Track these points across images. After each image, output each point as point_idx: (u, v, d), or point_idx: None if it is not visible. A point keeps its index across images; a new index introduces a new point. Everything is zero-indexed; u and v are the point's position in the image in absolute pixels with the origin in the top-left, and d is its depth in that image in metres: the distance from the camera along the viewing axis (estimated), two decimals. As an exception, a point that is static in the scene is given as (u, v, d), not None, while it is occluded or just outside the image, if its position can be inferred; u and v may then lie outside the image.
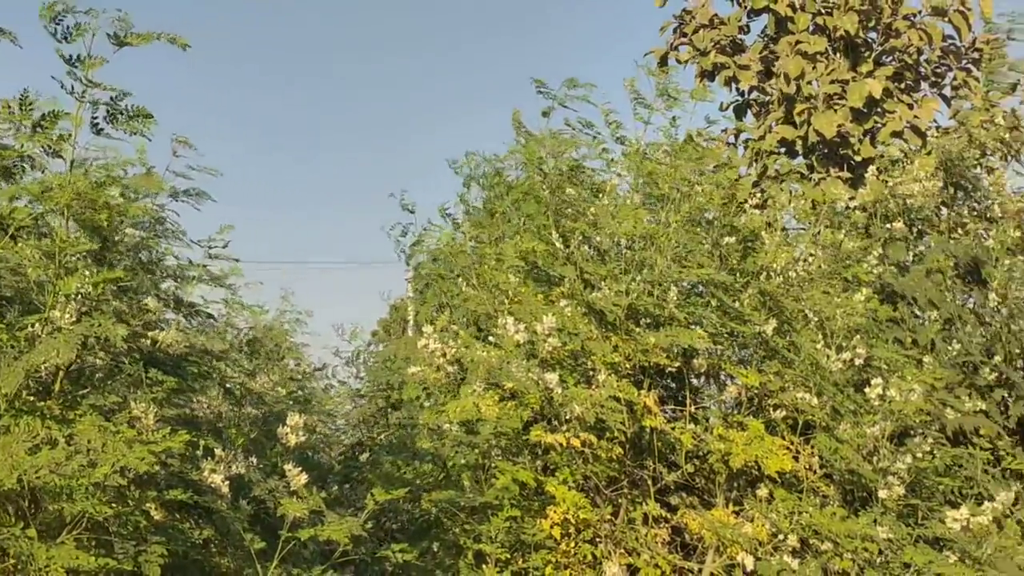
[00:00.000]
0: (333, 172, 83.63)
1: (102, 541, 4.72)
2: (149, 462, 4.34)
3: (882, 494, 7.37)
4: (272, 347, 9.17)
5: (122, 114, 5.43)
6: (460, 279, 8.06)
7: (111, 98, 5.40)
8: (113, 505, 4.61)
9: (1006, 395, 9.24)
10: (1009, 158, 10.73)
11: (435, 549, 7.14)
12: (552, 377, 6.69)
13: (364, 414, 11.07)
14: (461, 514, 6.90)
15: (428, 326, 7.45)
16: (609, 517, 7.31)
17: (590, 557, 7.05)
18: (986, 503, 7.44)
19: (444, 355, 7.31)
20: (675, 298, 7.22)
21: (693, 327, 7.34)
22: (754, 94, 17.07)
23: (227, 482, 4.97)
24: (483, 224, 8.30)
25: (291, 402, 8.31)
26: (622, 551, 7.19)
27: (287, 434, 5.32)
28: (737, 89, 17.03)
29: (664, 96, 8.12)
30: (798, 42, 15.78)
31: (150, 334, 5.49)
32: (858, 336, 7.90)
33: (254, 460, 5.50)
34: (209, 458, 5.06)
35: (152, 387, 5.20)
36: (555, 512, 6.87)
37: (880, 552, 7.17)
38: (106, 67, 5.23)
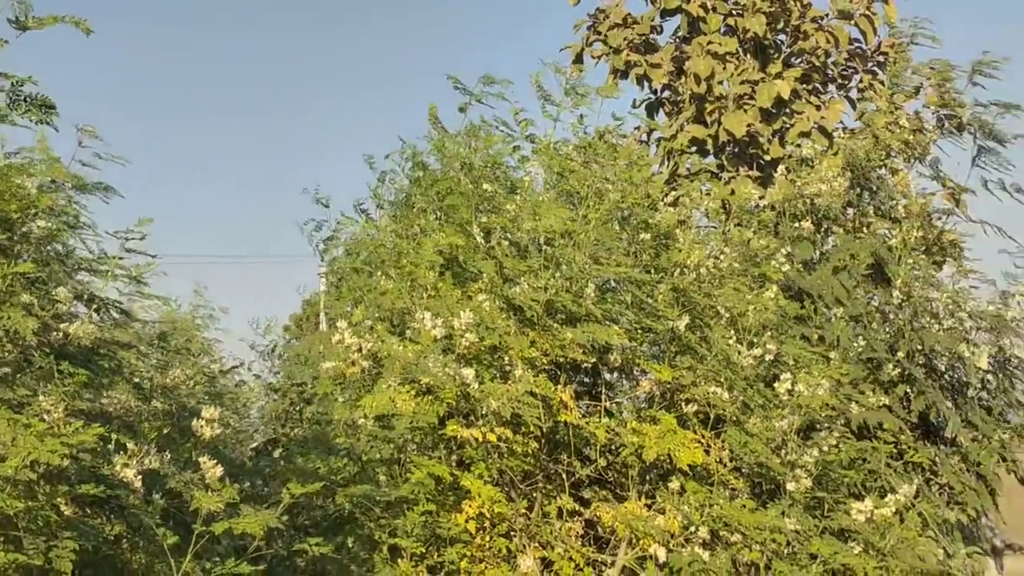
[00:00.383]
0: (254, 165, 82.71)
1: (11, 537, 4.62)
2: (61, 455, 4.27)
3: (790, 486, 7.54)
4: (183, 342, 9.01)
5: (24, 101, 5.33)
6: (379, 273, 8.03)
7: (12, 84, 5.30)
8: (23, 500, 4.52)
9: (908, 390, 9.49)
10: (912, 160, 11.03)
11: (349, 544, 7.11)
12: (469, 372, 6.72)
13: (277, 409, 10.97)
14: (376, 509, 6.88)
15: (343, 321, 7.43)
16: (524, 511, 7.37)
17: (505, 551, 7.09)
18: (889, 495, 7.67)
19: (359, 350, 7.29)
20: (592, 294, 7.30)
21: (609, 323, 7.43)
22: (666, 93, 17.25)
23: (140, 476, 4.91)
24: (402, 217, 8.28)
25: (204, 396, 8.20)
26: (536, 545, 7.25)
27: (202, 427, 5.26)
28: (650, 88, 17.19)
29: (572, 94, 8.18)
30: (709, 42, 15.98)
31: (61, 327, 5.39)
32: (768, 332, 8.06)
33: (167, 455, 5.43)
34: (122, 452, 4.99)
35: (64, 380, 5.11)
36: (470, 506, 6.91)
37: (788, 543, 7.34)
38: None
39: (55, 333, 5.35)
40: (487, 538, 7.03)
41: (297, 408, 10.51)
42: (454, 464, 7.15)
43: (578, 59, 17.11)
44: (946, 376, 10.29)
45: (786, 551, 7.35)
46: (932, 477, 9.48)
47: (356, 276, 8.60)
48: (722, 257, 8.85)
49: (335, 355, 7.36)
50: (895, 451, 8.60)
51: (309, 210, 9.35)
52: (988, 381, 10.18)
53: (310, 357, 9.36)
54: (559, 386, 7.26)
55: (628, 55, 16.60)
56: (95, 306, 5.83)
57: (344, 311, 8.52)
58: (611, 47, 16.77)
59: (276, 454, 9.29)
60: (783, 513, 7.37)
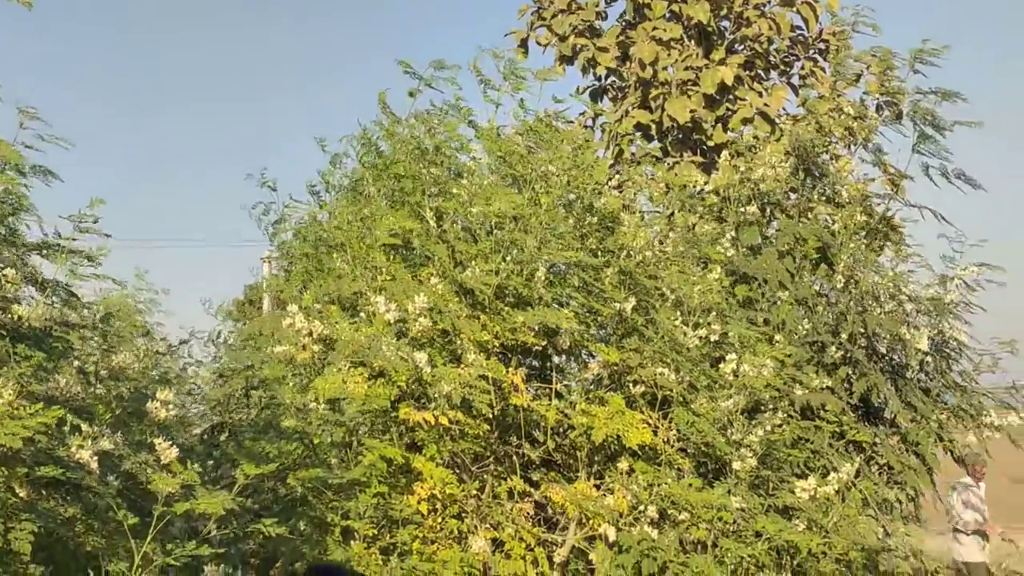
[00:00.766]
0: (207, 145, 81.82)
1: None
2: (22, 437, 4.25)
3: (736, 466, 7.66)
4: (125, 325, 8.92)
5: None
6: (334, 255, 8.03)
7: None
8: (-21, 483, 4.50)
9: (851, 372, 9.66)
10: (854, 146, 11.19)
11: (301, 527, 7.12)
12: (421, 356, 6.75)
13: (224, 394, 10.87)
14: (328, 492, 6.90)
15: (293, 305, 7.42)
16: (475, 493, 7.43)
17: (456, 532, 7.15)
18: (831, 474, 7.83)
19: (310, 334, 7.29)
20: (543, 278, 7.36)
21: (558, 307, 7.50)
22: (611, 79, 17.37)
23: (95, 458, 4.89)
24: (353, 201, 8.27)
25: (154, 377, 8.15)
26: (488, 525, 7.32)
27: (157, 408, 5.26)
28: (594, 74, 17.31)
29: (510, 78, 8.21)
30: (654, 28, 16.12)
31: (13, 308, 5.34)
32: (713, 313, 8.17)
33: (120, 437, 5.40)
34: (76, 434, 4.97)
35: (19, 363, 5.06)
36: (422, 488, 6.95)
37: (734, 521, 7.47)
38: None
39: (8, 315, 5.31)
40: (439, 519, 7.08)
41: (244, 393, 10.43)
42: (406, 447, 7.18)
43: (523, 45, 17.19)
44: (887, 358, 10.49)
45: (732, 529, 7.48)
46: (873, 457, 9.67)
47: (307, 259, 8.59)
48: (667, 241, 8.95)
49: (286, 339, 7.36)
50: (837, 431, 8.75)
51: (257, 193, 9.31)
52: (927, 363, 10.39)
53: (258, 340, 9.31)
54: (510, 369, 7.32)
55: (574, 40, 16.70)
56: (47, 289, 5.77)
57: (293, 295, 8.50)
58: (556, 34, 16.85)
59: (222, 439, 9.23)
60: (729, 492, 7.49)
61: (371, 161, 8.38)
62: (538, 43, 17.11)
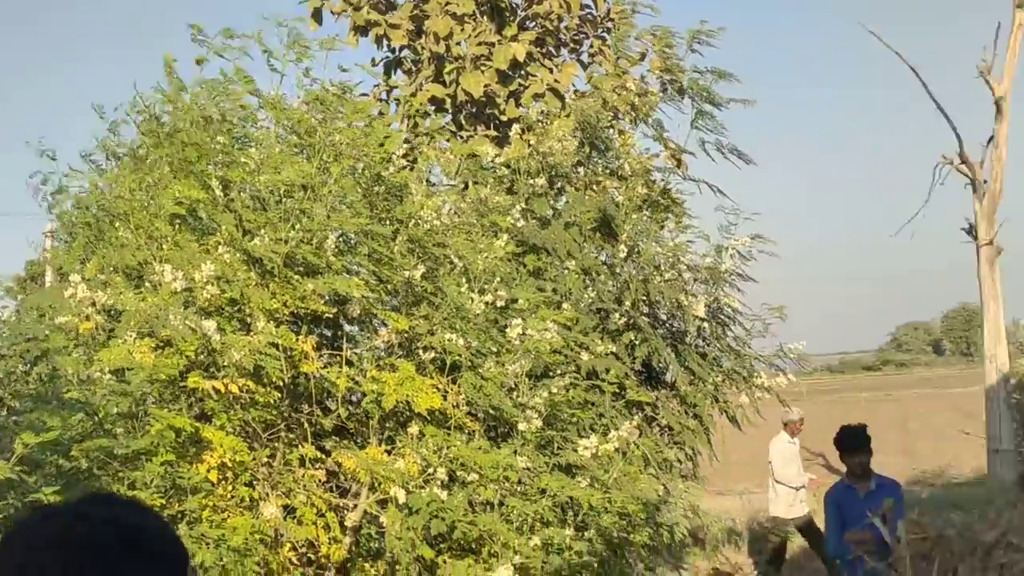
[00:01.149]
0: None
1: None
2: None
3: (522, 427, 7.93)
4: None
5: None
6: (117, 224, 7.87)
7: None
8: None
9: (633, 338, 10.12)
10: (637, 122, 11.68)
11: (87, 499, 6.99)
12: (210, 324, 6.73)
13: (2, 371, 10.49)
14: (114, 463, 6.81)
15: (75, 275, 7.27)
16: (267, 460, 7.45)
17: (248, 499, 7.16)
18: (612, 432, 8.21)
19: (93, 304, 7.16)
20: (333, 246, 7.43)
21: (348, 275, 7.59)
22: (405, 52, 17.42)
23: None
24: (136, 170, 8.11)
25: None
26: (279, 493, 7.36)
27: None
28: (388, 47, 17.32)
29: (294, 47, 8.20)
30: (447, 3, 16.26)
31: None
32: (499, 279, 8.42)
33: None
34: None
35: None
36: (212, 457, 6.93)
37: (519, 480, 7.74)
38: None
39: None
40: (229, 487, 7.08)
41: (26, 371, 10.09)
42: (195, 416, 7.14)
43: (316, 14, 17.04)
44: (667, 325, 11.03)
45: (519, 488, 7.75)
46: (654, 418, 10.17)
47: (88, 229, 8.38)
48: (458, 211, 9.15)
49: (68, 310, 7.20)
50: (618, 392, 9.15)
51: (35, 163, 8.99)
52: (704, 329, 10.98)
53: (40, 314, 9.03)
54: (300, 337, 7.37)
55: (368, 13, 16.67)
56: None
57: (75, 266, 8.29)
58: (350, 4, 16.79)
59: (2, 415, 8.95)
60: (516, 452, 7.75)
61: (150, 128, 8.22)
62: (332, 12, 16.99)
